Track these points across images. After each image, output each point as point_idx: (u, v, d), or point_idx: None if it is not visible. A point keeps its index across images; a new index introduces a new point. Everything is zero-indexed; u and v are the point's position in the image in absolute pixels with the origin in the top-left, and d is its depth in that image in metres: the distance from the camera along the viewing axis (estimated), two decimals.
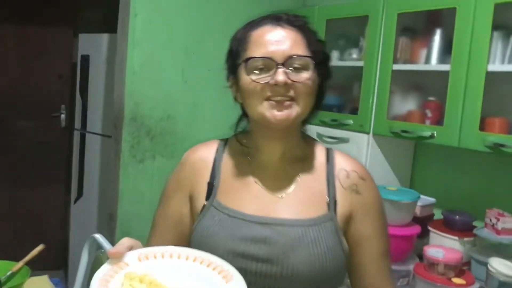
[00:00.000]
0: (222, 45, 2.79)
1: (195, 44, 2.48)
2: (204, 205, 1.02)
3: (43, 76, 3.72)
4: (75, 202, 3.47)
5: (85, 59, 3.32)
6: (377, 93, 2.04)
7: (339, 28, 2.34)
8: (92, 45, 3.26)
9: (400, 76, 2.01)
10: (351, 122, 2.16)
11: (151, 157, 2.43)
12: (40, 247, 1.47)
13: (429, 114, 1.93)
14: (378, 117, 2.05)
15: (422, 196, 1.99)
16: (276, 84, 0.92)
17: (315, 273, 0.94)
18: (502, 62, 1.68)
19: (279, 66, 0.93)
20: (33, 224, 3.66)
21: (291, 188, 1.02)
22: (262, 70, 0.95)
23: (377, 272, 1.04)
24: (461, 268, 1.69)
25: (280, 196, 1.01)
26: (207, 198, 1.03)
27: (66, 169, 3.80)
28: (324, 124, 2.25)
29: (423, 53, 1.95)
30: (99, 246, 0.87)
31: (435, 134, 1.81)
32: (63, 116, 3.79)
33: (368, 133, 2.10)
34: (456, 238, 1.83)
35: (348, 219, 1.02)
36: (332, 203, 1.01)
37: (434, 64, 1.91)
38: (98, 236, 0.88)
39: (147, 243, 1.09)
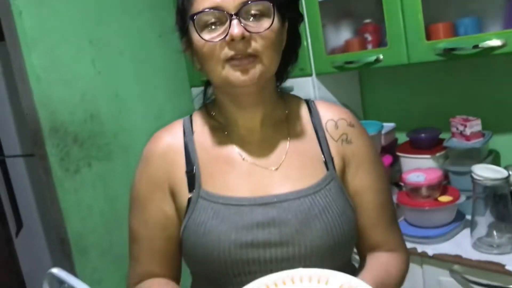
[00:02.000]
0: (124, 22, 2.49)
1: (98, 28, 2.20)
2: (189, 198, 0.87)
3: None
4: (17, 235, 3.13)
5: None
6: (309, 30, 1.89)
7: None
8: None
9: (327, 6, 1.86)
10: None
11: (87, 164, 2.17)
12: None
13: (369, 38, 1.81)
14: (316, 55, 1.91)
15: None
16: (233, 40, 0.77)
17: (332, 243, 0.83)
18: None
19: (232, 17, 0.77)
20: None
21: (283, 157, 0.89)
22: (215, 25, 0.79)
23: (379, 228, 0.93)
24: (443, 185, 1.63)
25: (273, 168, 0.88)
26: (190, 189, 0.88)
27: None
28: None
29: None
30: (61, 281, 0.80)
31: (381, 57, 1.71)
32: None
33: (310, 75, 1.95)
34: (428, 156, 1.76)
35: (342, 173, 0.92)
36: (329, 160, 0.90)
37: None
38: (56, 271, 0.81)
39: (133, 260, 0.94)
